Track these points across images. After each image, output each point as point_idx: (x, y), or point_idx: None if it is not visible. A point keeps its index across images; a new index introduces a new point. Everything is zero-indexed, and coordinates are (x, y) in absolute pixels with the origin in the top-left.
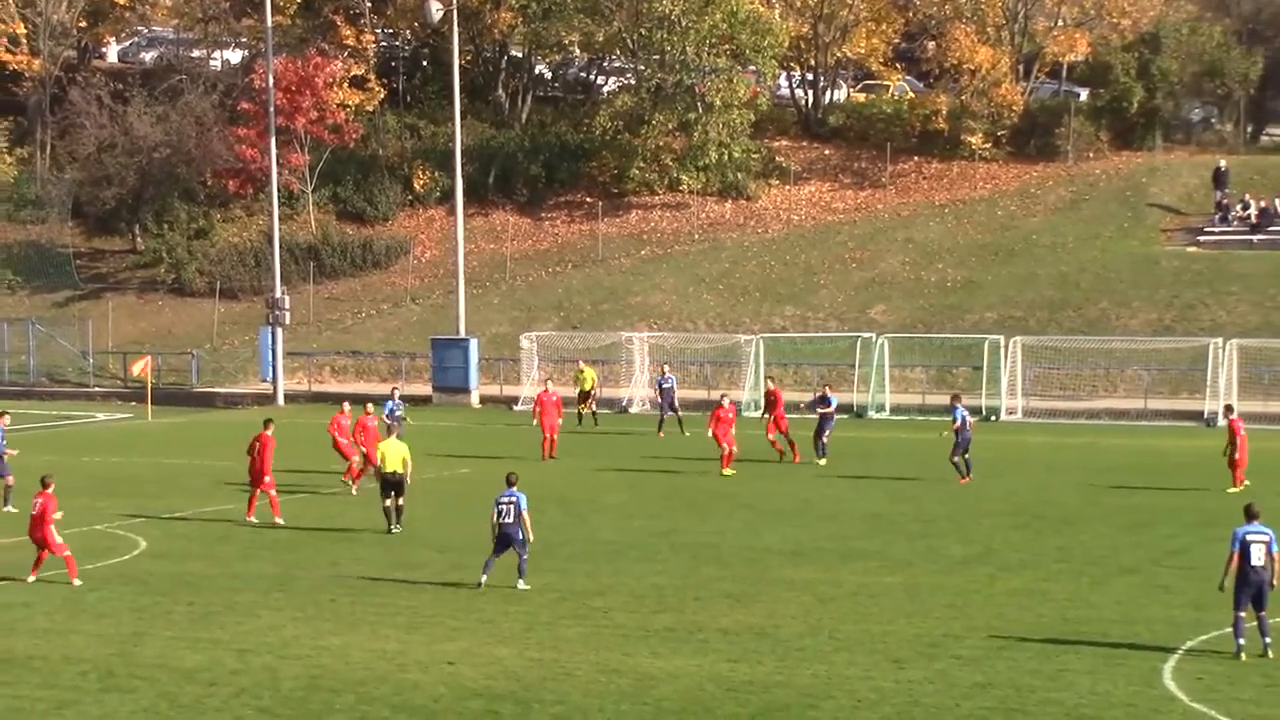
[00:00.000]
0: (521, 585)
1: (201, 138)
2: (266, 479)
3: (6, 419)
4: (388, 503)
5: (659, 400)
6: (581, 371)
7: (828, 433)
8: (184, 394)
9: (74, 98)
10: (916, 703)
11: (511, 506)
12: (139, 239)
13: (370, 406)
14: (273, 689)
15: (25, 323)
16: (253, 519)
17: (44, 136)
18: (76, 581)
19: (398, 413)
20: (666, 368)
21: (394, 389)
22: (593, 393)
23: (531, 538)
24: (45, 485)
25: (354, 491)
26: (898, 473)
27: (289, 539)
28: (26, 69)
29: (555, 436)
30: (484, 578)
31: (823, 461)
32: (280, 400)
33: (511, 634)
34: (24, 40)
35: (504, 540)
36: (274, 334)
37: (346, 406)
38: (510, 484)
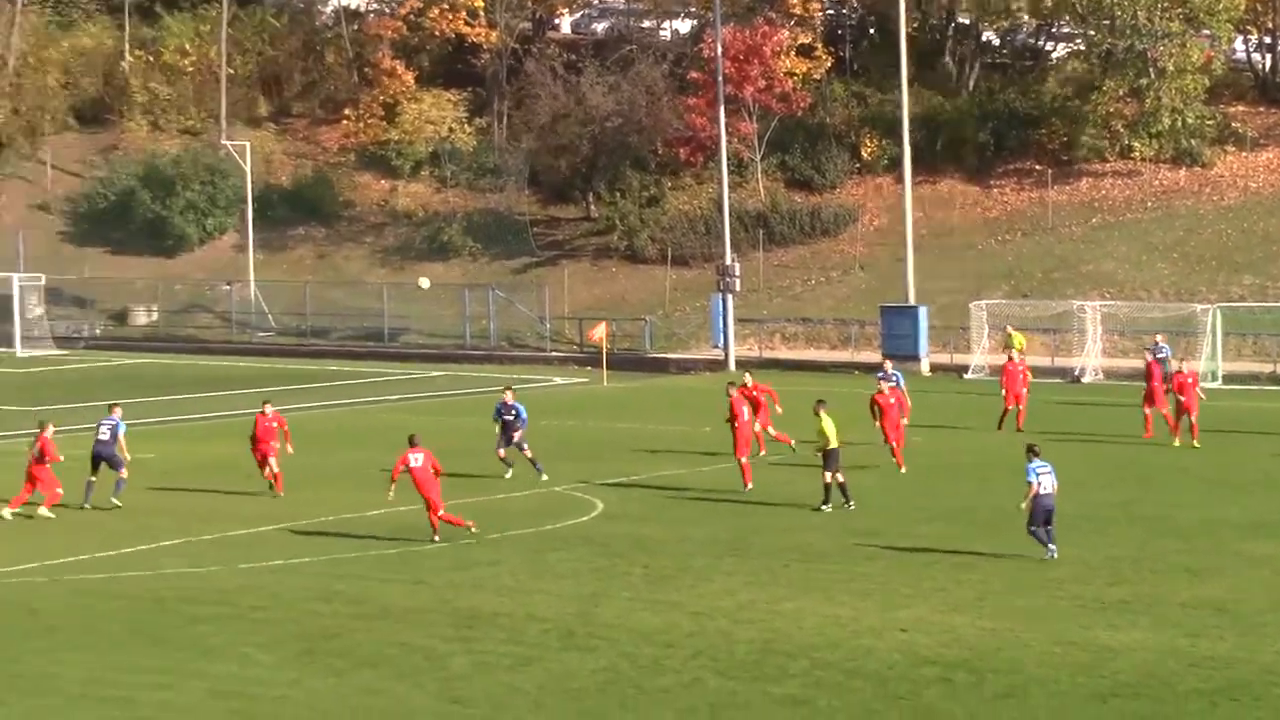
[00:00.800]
0: (1052, 550)
1: (652, 107)
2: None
3: (510, 394)
4: (828, 477)
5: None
6: (1010, 335)
7: None
8: (637, 359)
9: (529, 69)
10: None
11: (1049, 476)
12: (593, 207)
13: (885, 386)
14: (728, 652)
15: (486, 289)
16: (750, 486)
17: (501, 107)
18: (472, 526)
19: (890, 383)
20: (1160, 338)
21: (885, 359)
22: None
23: None
24: (413, 443)
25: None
26: None
27: (740, 505)
28: (484, 41)
29: (1023, 406)
30: (1046, 553)
31: None
32: (732, 366)
33: (965, 602)
34: (482, 13)
35: (1043, 511)
36: (725, 301)
37: (748, 377)
38: (1037, 454)
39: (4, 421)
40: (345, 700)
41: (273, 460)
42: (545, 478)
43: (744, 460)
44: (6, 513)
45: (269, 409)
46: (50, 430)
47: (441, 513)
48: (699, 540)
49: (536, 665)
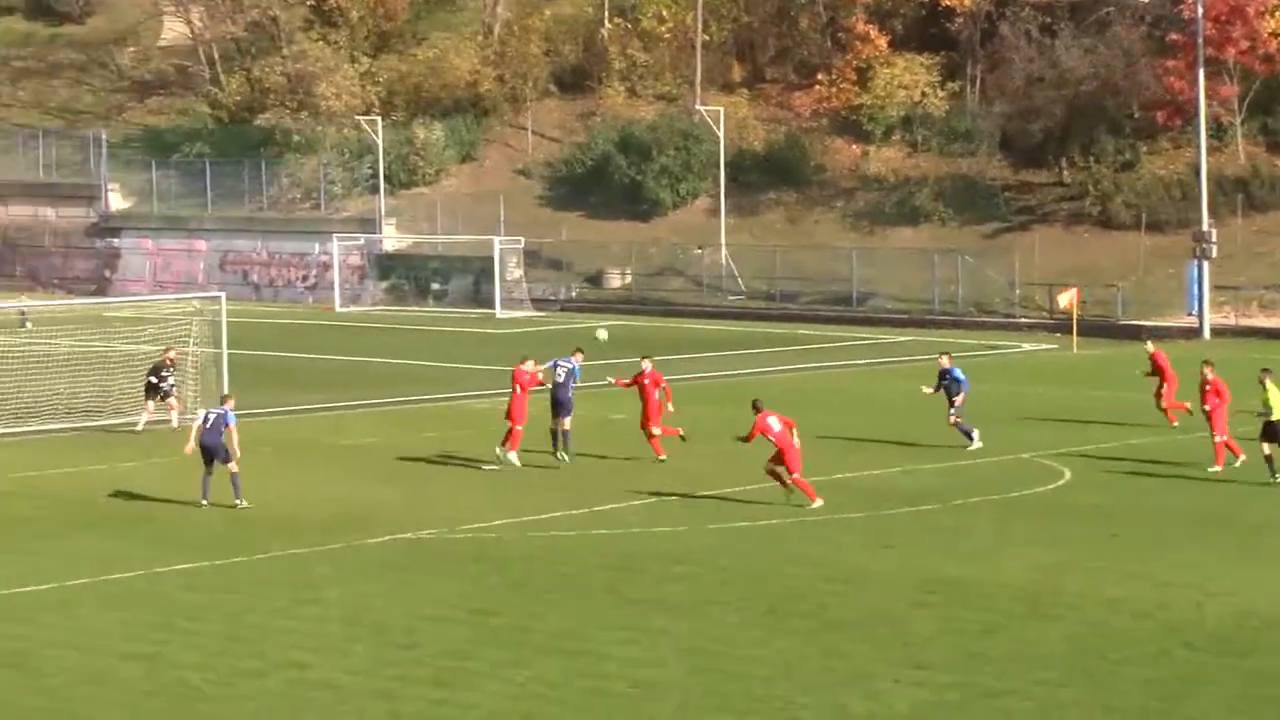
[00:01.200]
0: None
1: (1129, 70)
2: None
3: (946, 359)
4: (1267, 449)
5: None
6: None
7: None
8: (1108, 326)
9: (1003, 32)
10: None
11: None
12: (1065, 171)
13: None
14: (1198, 625)
15: (954, 254)
16: (1219, 467)
17: (974, 71)
18: (817, 502)
19: None
20: None
21: None
22: None
23: None
24: (757, 409)
25: None
26: None
27: (1210, 479)
28: (959, 5)
29: None
30: None
31: None
32: (1206, 335)
33: None
34: None
35: None
36: (1200, 268)
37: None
38: None
39: (486, 380)
40: (809, 661)
41: (653, 428)
42: (976, 446)
43: (1220, 439)
44: (509, 455)
45: (648, 364)
46: (529, 364)
47: (796, 475)
48: (1168, 511)
49: (1001, 632)
